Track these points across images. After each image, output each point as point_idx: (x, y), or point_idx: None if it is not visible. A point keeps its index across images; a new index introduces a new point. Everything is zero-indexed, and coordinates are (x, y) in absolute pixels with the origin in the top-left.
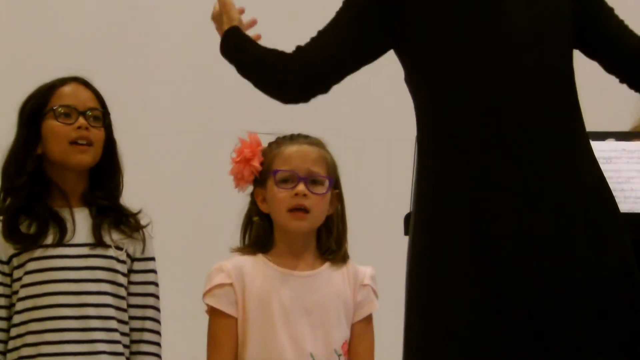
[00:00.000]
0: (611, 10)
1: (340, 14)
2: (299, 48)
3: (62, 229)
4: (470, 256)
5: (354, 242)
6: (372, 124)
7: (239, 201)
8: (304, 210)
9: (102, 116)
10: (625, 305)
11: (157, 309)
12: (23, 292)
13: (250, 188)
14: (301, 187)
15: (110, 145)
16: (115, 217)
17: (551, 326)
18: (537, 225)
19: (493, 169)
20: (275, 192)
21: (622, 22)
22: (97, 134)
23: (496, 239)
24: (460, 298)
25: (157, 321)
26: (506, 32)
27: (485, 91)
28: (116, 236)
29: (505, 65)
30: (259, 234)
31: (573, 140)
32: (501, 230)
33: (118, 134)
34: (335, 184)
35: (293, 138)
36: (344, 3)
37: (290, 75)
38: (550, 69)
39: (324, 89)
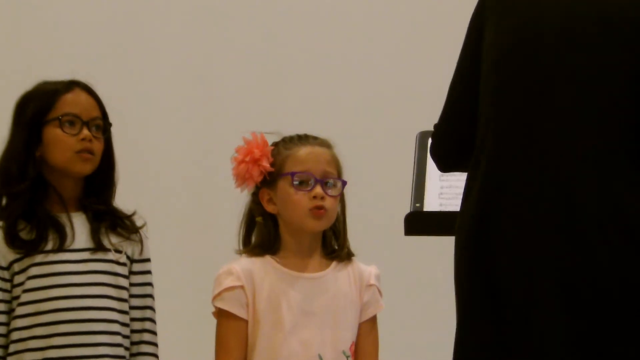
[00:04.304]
0: None
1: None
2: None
3: (61, 235)
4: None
5: (354, 242)
6: (372, 123)
7: (238, 201)
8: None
9: (103, 125)
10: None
11: (154, 310)
12: (25, 297)
13: (250, 188)
14: (318, 189)
15: (108, 154)
16: (111, 221)
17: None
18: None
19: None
20: (290, 193)
21: None
22: (98, 145)
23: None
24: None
25: (155, 322)
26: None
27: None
28: (114, 239)
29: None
30: (264, 235)
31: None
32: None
33: (115, 134)
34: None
35: (302, 138)
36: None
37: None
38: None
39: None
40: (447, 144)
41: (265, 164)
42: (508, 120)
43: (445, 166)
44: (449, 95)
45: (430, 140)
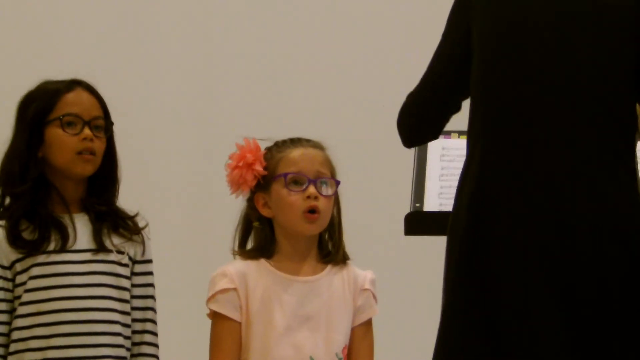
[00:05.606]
0: None
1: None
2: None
3: (64, 235)
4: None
5: (353, 244)
6: (371, 124)
7: (240, 202)
8: (317, 212)
9: (104, 125)
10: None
11: (155, 311)
12: (27, 297)
13: (245, 193)
14: (312, 189)
15: (110, 154)
16: (113, 221)
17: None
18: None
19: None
20: (284, 195)
21: None
22: (100, 145)
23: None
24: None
25: (156, 323)
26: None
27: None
28: (117, 240)
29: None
30: (261, 240)
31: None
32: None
33: (118, 134)
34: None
35: (294, 141)
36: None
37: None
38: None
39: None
40: (421, 113)
41: (259, 167)
42: (504, 120)
43: (411, 135)
44: (429, 70)
45: (401, 108)
